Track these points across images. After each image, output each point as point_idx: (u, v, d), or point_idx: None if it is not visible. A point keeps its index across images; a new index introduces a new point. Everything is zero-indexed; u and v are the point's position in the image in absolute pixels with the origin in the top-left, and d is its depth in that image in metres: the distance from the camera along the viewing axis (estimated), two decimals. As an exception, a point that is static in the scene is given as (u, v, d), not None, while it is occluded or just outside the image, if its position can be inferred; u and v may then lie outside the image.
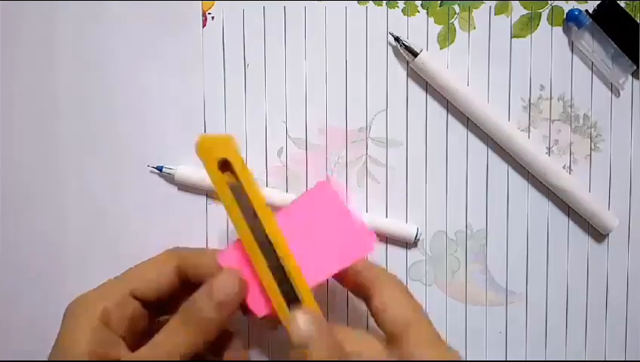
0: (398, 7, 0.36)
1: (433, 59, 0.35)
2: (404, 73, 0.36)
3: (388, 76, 0.36)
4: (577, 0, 0.36)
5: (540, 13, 0.36)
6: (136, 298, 0.29)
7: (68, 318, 0.28)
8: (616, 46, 0.35)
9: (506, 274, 0.37)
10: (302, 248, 0.28)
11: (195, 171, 0.35)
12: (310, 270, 0.28)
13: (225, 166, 0.27)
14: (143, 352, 0.27)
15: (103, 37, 0.36)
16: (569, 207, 0.36)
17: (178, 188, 0.36)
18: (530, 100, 0.36)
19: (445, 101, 0.36)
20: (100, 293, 0.29)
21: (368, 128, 0.36)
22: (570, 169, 0.36)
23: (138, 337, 0.29)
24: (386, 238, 0.36)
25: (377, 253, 0.36)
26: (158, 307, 0.30)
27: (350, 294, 0.31)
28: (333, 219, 0.29)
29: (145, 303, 0.30)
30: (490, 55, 0.36)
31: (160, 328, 0.28)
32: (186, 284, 0.30)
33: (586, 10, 0.35)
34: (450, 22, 0.36)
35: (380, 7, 0.36)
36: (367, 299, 0.30)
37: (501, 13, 0.36)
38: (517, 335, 0.37)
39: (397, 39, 0.35)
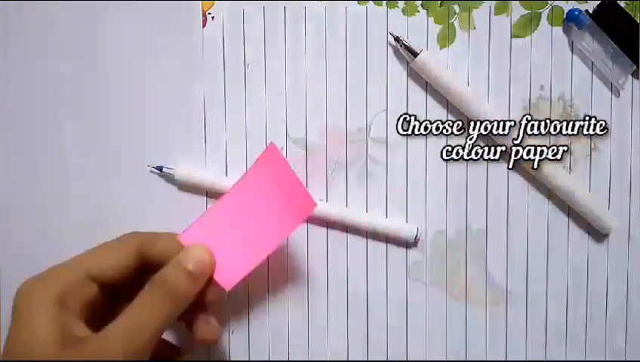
0: (398, 7, 0.36)
1: (433, 59, 0.35)
2: (404, 73, 0.36)
3: (388, 76, 0.36)
4: (577, 0, 0.36)
5: (540, 13, 0.36)
6: (93, 281, 0.28)
7: (21, 303, 0.26)
8: (616, 46, 0.35)
9: (506, 274, 0.37)
10: (253, 220, 0.30)
11: (195, 171, 0.35)
12: (261, 242, 0.30)
13: None
14: (113, 328, 0.26)
15: (102, 37, 0.36)
16: (569, 207, 0.36)
17: (178, 188, 0.36)
18: (530, 100, 0.36)
19: (445, 101, 0.36)
20: (54, 275, 0.27)
21: (368, 128, 0.36)
22: (570, 169, 0.36)
23: (96, 323, 0.27)
24: (386, 238, 0.36)
25: (377, 253, 0.36)
26: (113, 292, 0.29)
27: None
28: (281, 185, 0.31)
29: (102, 286, 0.28)
30: (490, 55, 0.36)
31: (118, 312, 0.26)
32: (141, 269, 0.29)
33: (586, 10, 0.35)
34: (450, 22, 0.36)
35: (380, 7, 0.36)
36: None
37: (501, 13, 0.36)
38: (517, 335, 0.37)
39: (397, 39, 0.35)
